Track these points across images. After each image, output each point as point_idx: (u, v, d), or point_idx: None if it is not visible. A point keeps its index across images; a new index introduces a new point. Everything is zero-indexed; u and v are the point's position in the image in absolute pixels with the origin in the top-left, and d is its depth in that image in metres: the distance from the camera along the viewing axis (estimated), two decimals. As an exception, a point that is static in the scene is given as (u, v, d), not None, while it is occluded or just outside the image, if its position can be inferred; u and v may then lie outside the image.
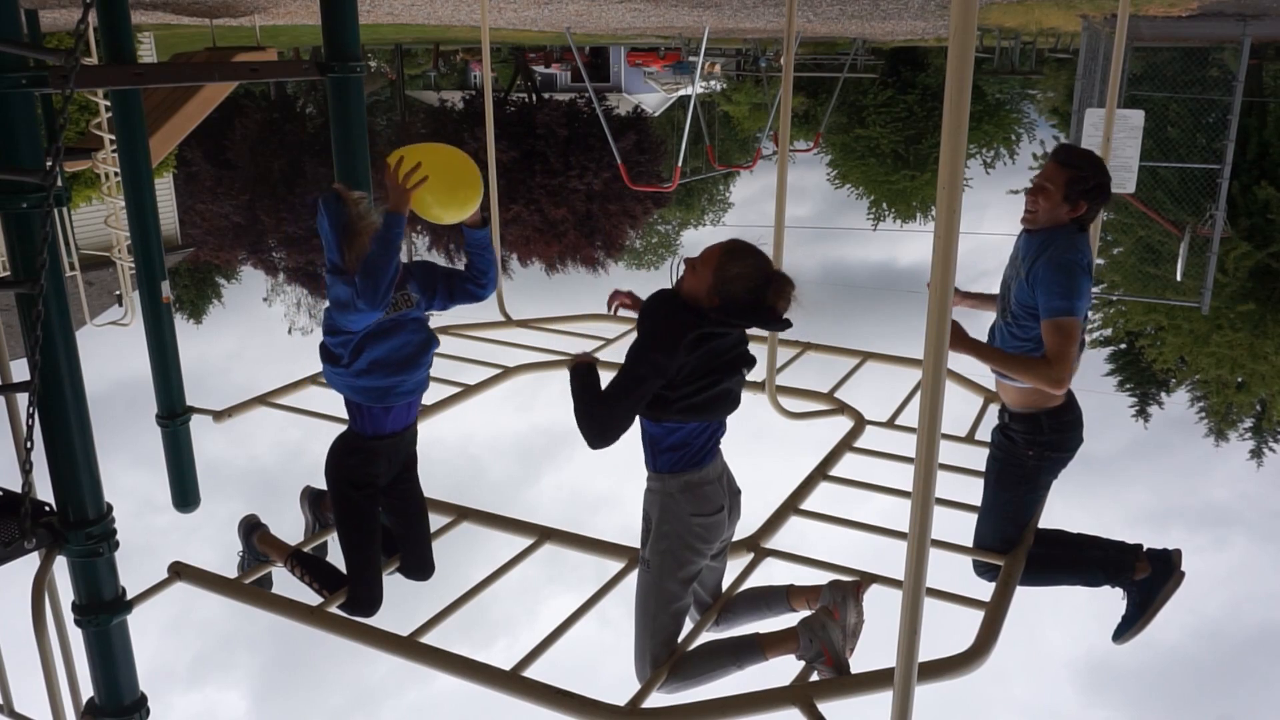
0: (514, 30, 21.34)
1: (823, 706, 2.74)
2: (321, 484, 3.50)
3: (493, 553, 3.73)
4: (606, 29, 21.16)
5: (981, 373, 4.77)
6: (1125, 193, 9.37)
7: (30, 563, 3.22)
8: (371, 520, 3.34)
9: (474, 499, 4.04)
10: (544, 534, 3.73)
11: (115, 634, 3.36)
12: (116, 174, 10.04)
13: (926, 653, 2.42)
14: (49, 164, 2.77)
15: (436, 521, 3.79)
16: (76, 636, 3.34)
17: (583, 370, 2.90)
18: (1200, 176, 11.95)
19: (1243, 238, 13.17)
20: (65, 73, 2.70)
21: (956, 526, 3.59)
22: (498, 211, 5.83)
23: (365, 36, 20.85)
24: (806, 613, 3.05)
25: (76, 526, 3.22)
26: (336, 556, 3.49)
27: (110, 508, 3.33)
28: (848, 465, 4.31)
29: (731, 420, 3.04)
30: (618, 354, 5.49)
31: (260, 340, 30.53)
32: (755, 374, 3.26)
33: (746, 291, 2.79)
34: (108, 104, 8.28)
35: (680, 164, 15.07)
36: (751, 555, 3.51)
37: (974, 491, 3.66)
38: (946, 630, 3.00)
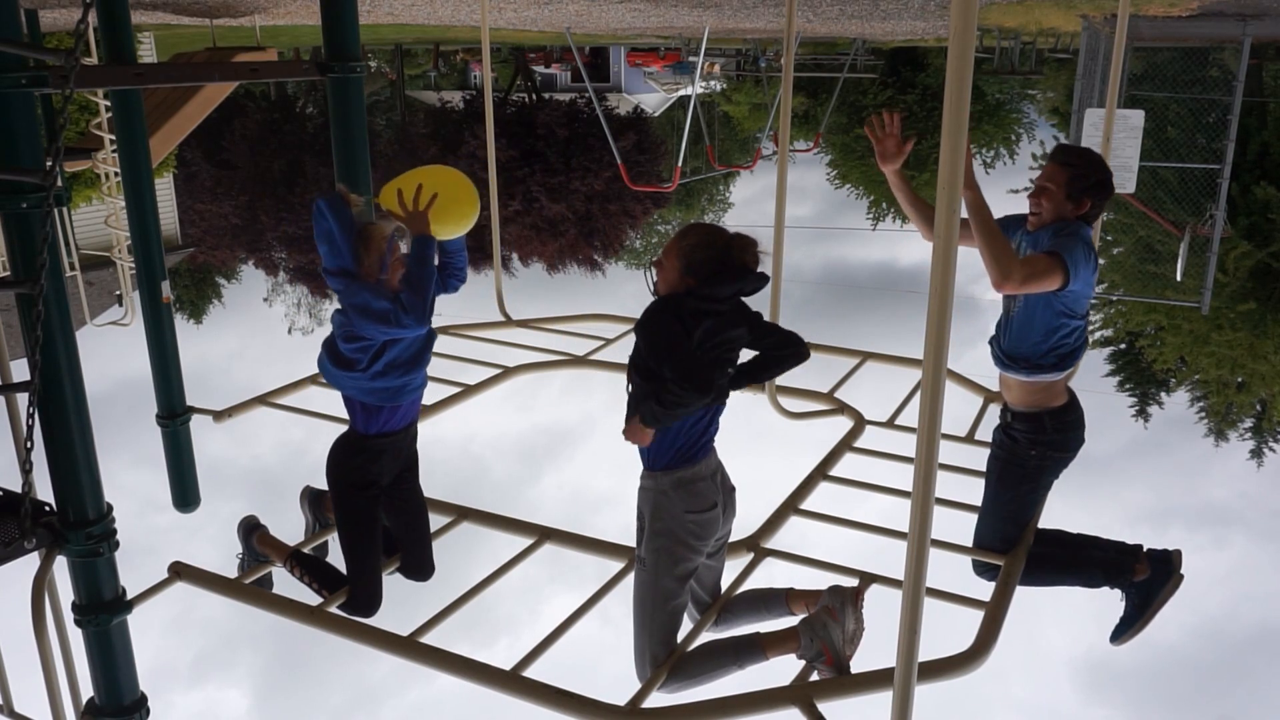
0: (514, 30, 21.34)
1: (823, 706, 2.74)
2: (322, 484, 3.51)
3: (493, 553, 3.73)
4: (606, 29, 21.17)
5: (981, 373, 4.78)
6: (1125, 193, 9.37)
7: (30, 563, 3.22)
8: (373, 521, 3.34)
9: (475, 499, 4.05)
10: (544, 534, 3.73)
11: (115, 634, 3.36)
12: (116, 174, 10.04)
13: (926, 653, 2.43)
14: (49, 164, 2.77)
15: (437, 521, 3.79)
16: (76, 636, 3.34)
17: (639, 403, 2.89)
18: (1200, 176, 11.95)
19: (1242, 237, 13.16)
20: (65, 73, 2.70)
21: (956, 526, 3.60)
22: (497, 211, 5.83)
23: (365, 36, 20.88)
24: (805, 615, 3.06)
25: (76, 526, 3.22)
26: (337, 556, 3.49)
27: (110, 508, 3.33)
28: (848, 465, 4.31)
29: (731, 420, 3.05)
30: (618, 353, 5.49)
31: (260, 340, 30.57)
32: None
33: (711, 258, 2.86)
34: (108, 104, 8.28)
35: (680, 164, 15.07)
36: (751, 555, 3.51)
37: (974, 491, 3.66)
38: (946, 630, 3.00)
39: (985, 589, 3.32)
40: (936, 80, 29.63)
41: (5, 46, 2.96)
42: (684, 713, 2.81)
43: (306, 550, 3.71)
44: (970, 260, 2.84)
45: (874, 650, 2.88)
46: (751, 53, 31.87)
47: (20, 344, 3.07)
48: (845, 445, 4.43)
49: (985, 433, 3.87)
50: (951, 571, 3.24)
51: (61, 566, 3.31)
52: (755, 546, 3.55)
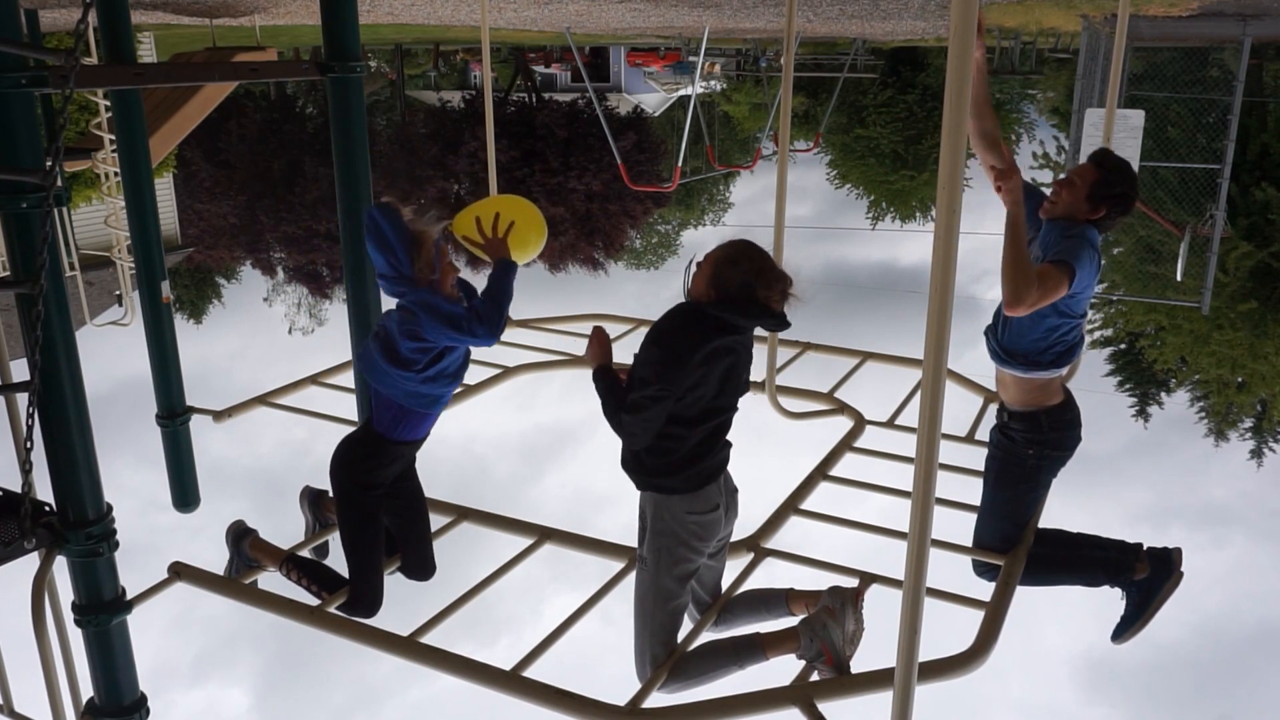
0: (514, 30, 21.34)
1: (823, 706, 2.74)
2: (321, 483, 3.50)
3: (494, 553, 3.73)
4: (606, 29, 21.17)
5: (981, 373, 4.78)
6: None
7: (30, 563, 3.22)
8: (376, 522, 3.34)
9: (476, 499, 4.05)
10: (544, 534, 3.73)
11: (115, 634, 3.36)
12: (116, 174, 10.03)
13: (926, 652, 2.42)
14: (49, 164, 2.77)
15: (437, 521, 3.79)
16: (76, 636, 3.34)
17: (599, 375, 3.03)
18: (1200, 176, 11.95)
19: (1243, 238, 13.16)
20: (65, 73, 2.70)
21: (956, 526, 3.60)
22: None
23: (365, 36, 20.86)
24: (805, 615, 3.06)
25: (76, 526, 3.22)
26: (337, 556, 3.49)
27: (110, 508, 3.33)
28: (848, 465, 4.31)
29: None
30: (618, 354, 5.47)
31: (260, 340, 30.59)
32: (755, 374, 3.27)
33: (739, 285, 2.84)
34: (108, 104, 8.27)
35: (680, 164, 15.06)
36: (751, 555, 3.51)
37: (974, 491, 3.66)
38: (946, 630, 3.00)
39: (985, 589, 3.32)
40: (936, 80, 29.63)
41: (5, 46, 2.95)
42: (684, 713, 2.81)
43: (307, 551, 3.71)
44: (970, 260, 2.84)
45: (874, 650, 2.88)
46: (751, 53, 31.89)
47: (20, 344, 3.07)
48: (845, 445, 4.43)
49: (985, 433, 3.86)
50: (951, 571, 3.24)
51: (61, 566, 3.31)
52: (755, 546, 3.55)
